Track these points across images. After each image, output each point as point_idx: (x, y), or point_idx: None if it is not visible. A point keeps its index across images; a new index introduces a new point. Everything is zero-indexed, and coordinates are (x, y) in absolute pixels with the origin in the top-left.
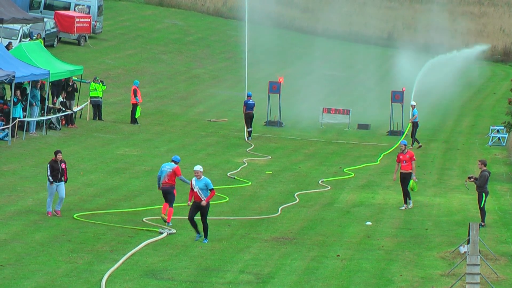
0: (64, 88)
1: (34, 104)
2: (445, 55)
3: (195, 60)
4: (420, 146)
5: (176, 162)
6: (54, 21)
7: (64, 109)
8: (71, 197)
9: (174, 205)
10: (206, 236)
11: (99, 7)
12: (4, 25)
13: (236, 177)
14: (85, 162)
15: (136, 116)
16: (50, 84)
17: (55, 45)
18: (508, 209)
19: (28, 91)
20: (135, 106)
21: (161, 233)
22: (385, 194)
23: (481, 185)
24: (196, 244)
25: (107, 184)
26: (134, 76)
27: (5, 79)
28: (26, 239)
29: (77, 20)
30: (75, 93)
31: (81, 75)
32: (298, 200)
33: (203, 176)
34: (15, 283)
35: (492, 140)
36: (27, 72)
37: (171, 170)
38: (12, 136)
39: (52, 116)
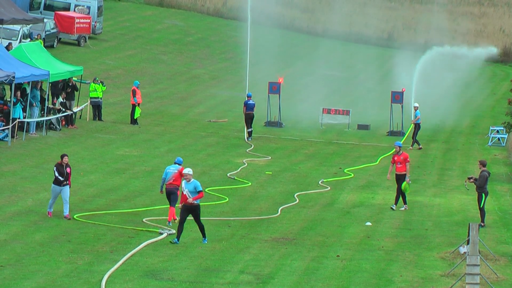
0: (64, 88)
1: (34, 104)
2: (451, 47)
3: (195, 60)
4: (420, 148)
5: (179, 164)
6: (54, 21)
7: (64, 109)
8: (71, 197)
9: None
10: (204, 236)
11: (99, 8)
12: (4, 26)
13: (236, 178)
14: (85, 162)
15: (135, 117)
16: (50, 84)
17: (55, 46)
18: (508, 209)
19: (28, 91)
20: (134, 106)
21: (161, 234)
22: (385, 195)
23: (481, 185)
24: (196, 244)
25: (107, 184)
26: (134, 77)
27: (5, 80)
28: (26, 240)
29: (77, 20)
30: (75, 92)
31: (81, 75)
32: (298, 200)
33: (192, 179)
34: (15, 283)
35: (492, 141)
36: (27, 72)
37: (176, 171)
38: (12, 136)
39: (52, 117)
